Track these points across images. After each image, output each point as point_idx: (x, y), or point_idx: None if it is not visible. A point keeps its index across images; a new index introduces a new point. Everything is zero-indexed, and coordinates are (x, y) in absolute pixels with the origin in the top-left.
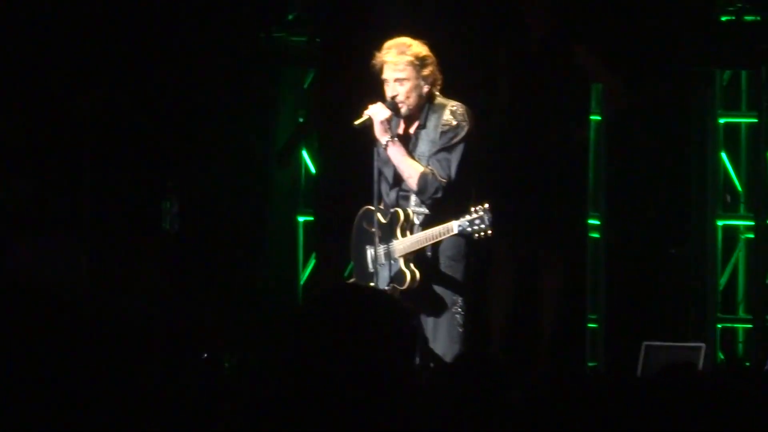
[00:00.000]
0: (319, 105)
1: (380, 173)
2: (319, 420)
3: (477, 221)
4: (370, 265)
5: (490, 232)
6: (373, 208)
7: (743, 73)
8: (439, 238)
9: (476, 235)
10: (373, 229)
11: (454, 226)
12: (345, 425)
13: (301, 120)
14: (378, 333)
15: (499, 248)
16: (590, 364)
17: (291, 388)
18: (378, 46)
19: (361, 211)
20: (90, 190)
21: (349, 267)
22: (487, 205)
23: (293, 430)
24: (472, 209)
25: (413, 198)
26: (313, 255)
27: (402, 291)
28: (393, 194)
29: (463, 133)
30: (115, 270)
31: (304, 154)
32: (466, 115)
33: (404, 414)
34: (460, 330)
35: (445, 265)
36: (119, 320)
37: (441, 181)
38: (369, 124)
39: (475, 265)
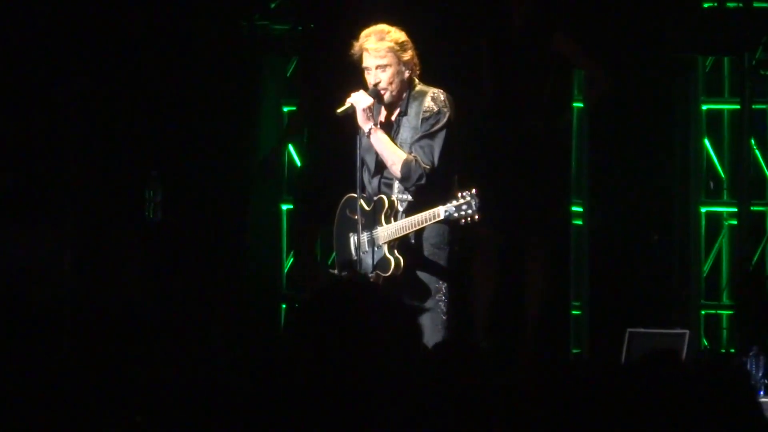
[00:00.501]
0: (302, 101)
1: (363, 161)
2: (321, 414)
3: (464, 206)
4: (353, 253)
5: (477, 217)
6: (355, 195)
7: (726, 60)
8: (425, 224)
9: (463, 220)
10: (356, 217)
11: (440, 211)
12: (345, 419)
13: (285, 109)
14: (379, 328)
15: (483, 235)
16: (574, 351)
17: (293, 383)
18: (356, 35)
19: (343, 199)
20: (72, 179)
21: (332, 256)
22: (474, 190)
23: (296, 424)
24: (459, 194)
25: (396, 185)
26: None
27: (385, 278)
28: (375, 182)
29: (444, 120)
30: (99, 259)
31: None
32: (446, 101)
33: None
34: (444, 317)
35: (428, 252)
36: (103, 309)
37: (424, 167)
38: (351, 112)
39: (458, 252)
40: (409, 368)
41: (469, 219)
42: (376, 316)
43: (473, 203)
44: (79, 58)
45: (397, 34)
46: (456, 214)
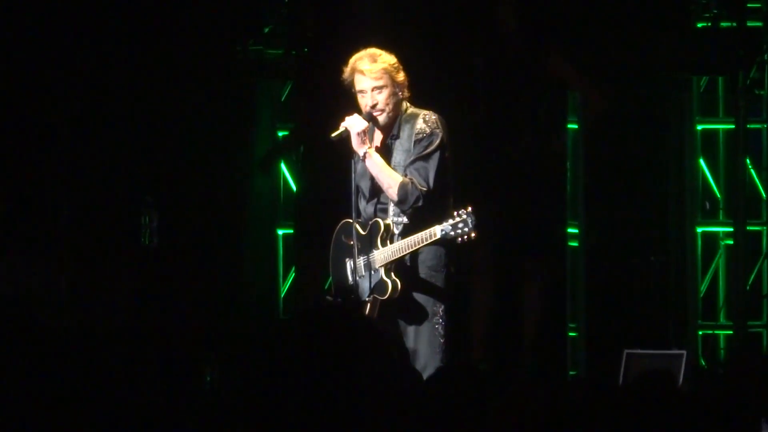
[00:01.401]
0: (301, 118)
1: (358, 186)
2: None
3: (460, 224)
4: (350, 278)
5: (474, 234)
6: (351, 221)
7: (720, 79)
8: (422, 244)
9: (459, 238)
10: (352, 242)
11: (437, 230)
12: None
13: (279, 134)
14: (353, 352)
15: (480, 257)
16: (571, 372)
17: (269, 403)
18: (345, 61)
19: (339, 224)
20: (67, 206)
21: (328, 281)
22: (470, 209)
23: None
24: (455, 213)
25: (391, 209)
26: (293, 268)
27: (382, 301)
28: (370, 208)
29: (437, 141)
30: (95, 286)
31: (283, 167)
32: (439, 123)
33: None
34: (442, 340)
35: (425, 275)
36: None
37: (421, 189)
38: (346, 136)
39: (455, 274)
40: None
41: (465, 237)
42: (354, 342)
43: (469, 221)
44: (73, 84)
45: (389, 57)
46: (452, 233)
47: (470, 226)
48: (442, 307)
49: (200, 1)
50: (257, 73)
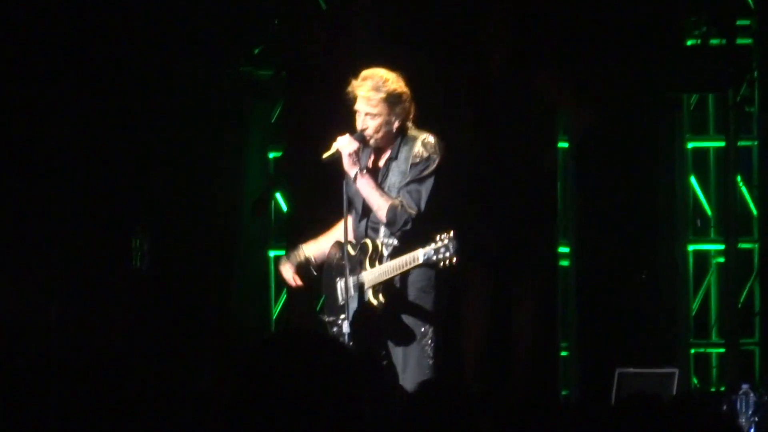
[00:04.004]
0: (290, 144)
1: (349, 206)
2: None
3: (442, 249)
4: (341, 298)
5: (455, 260)
6: (342, 240)
7: (710, 97)
8: (406, 268)
9: (441, 263)
10: (343, 262)
11: (419, 254)
12: None
13: (270, 155)
14: (321, 379)
15: (471, 278)
16: (563, 392)
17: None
18: (355, 73)
19: (331, 244)
20: (58, 229)
21: (321, 300)
22: (452, 233)
23: None
24: (437, 237)
25: (382, 229)
26: (285, 289)
27: (371, 322)
28: (362, 226)
29: (433, 166)
30: (85, 310)
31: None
32: (437, 147)
33: None
34: (431, 362)
35: (414, 296)
36: (90, 359)
37: (410, 212)
38: (337, 157)
39: (445, 295)
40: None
41: (447, 262)
42: (317, 365)
43: (451, 246)
44: (64, 108)
45: (395, 85)
46: (434, 258)
47: (451, 251)
48: (432, 328)
49: (190, 23)
50: (247, 95)
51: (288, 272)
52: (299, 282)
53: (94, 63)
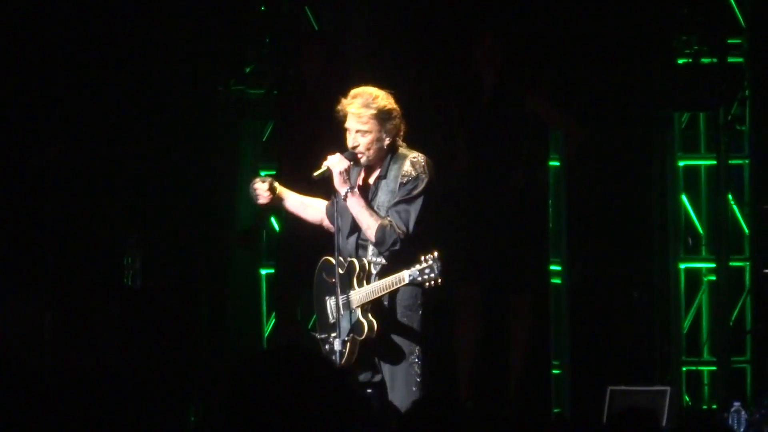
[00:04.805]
0: (281, 160)
1: (339, 224)
2: None
3: (427, 270)
4: (331, 316)
5: (440, 281)
6: (331, 258)
7: (701, 115)
8: (393, 288)
9: (427, 284)
10: (333, 280)
11: (405, 275)
12: None
13: (262, 173)
14: (309, 395)
15: (463, 296)
16: (555, 409)
17: None
18: (343, 92)
19: (320, 262)
20: (51, 247)
21: (313, 319)
22: (436, 254)
23: None
24: (422, 258)
25: (371, 248)
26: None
27: (360, 341)
28: (351, 243)
29: (422, 185)
30: (78, 327)
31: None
32: (426, 167)
33: None
34: (418, 380)
35: (401, 314)
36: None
37: (399, 232)
38: (328, 175)
39: (431, 314)
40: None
41: (432, 283)
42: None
43: (435, 267)
44: (55, 125)
45: (384, 101)
46: (420, 278)
47: (436, 272)
48: (419, 347)
49: (182, 41)
50: (239, 113)
51: (263, 187)
52: (266, 200)
53: (87, 79)
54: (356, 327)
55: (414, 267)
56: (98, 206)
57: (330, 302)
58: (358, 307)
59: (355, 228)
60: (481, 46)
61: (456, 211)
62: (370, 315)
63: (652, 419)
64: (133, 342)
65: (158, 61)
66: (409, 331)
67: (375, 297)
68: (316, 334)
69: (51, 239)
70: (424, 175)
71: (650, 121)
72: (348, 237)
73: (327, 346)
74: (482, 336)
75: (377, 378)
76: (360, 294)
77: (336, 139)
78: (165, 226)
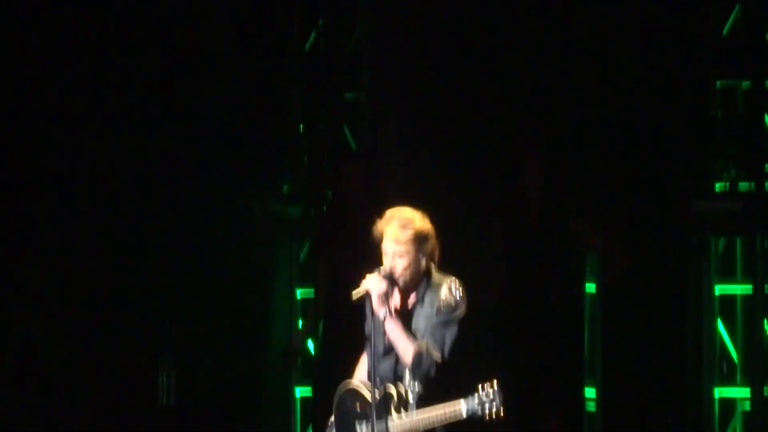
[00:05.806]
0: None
1: (375, 347)
2: None
3: (487, 402)
4: None
5: (502, 413)
6: (353, 385)
7: (738, 240)
8: (445, 422)
9: (488, 416)
10: (365, 407)
11: (462, 408)
12: None
13: (298, 296)
14: None
15: (501, 427)
16: None
17: None
18: (379, 212)
19: (341, 389)
20: (85, 365)
21: None
22: (495, 383)
23: None
24: (480, 387)
25: (407, 373)
26: (309, 429)
27: None
28: (386, 367)
29: (459, 313)
30: None
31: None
32: (463, 294)
33: None
34: None
35: None
36: None
37: (435, 358)
38: (367, 297)
39: None
40: None
41: (494, 416)
42: None
43: (498, 398)
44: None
45: (421, 223)
46: (480, 412)
47: (498, 403)
48: None
49: (220, 161)
50: (276, 232)
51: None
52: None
53: (125, 195)
54: None
55: (471, 398)
56: (132, 325)
57: (361, 428)
58: None
59: (389, 350)
60: (527, 170)
61: (488, 340)
62: None
63: None
64: None
65: (196, 181)
66: None
67: (422, 429)
68: None
69: (83, 358)
70: (462, 303)
71: (686, 247)
72: (383, 359)
73: None
74: None
75: None
76: (403, 426)
77: (373, 260)
78: (200, 345)
